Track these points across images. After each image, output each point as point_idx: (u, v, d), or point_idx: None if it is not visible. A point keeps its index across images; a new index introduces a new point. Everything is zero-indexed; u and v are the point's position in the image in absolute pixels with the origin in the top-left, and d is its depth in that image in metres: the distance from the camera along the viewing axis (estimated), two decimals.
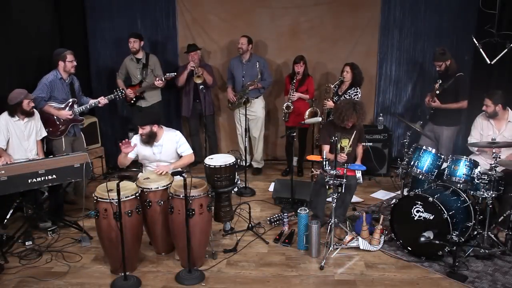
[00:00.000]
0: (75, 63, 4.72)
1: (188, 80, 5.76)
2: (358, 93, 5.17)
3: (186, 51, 5.71)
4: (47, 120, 4.69)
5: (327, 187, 4.33)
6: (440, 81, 4.80)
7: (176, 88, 6.03)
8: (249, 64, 5.65)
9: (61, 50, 4.73)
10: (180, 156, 4.26)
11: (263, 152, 6.08)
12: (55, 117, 4.74)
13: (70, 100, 4.79)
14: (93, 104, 4.94)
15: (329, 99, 5.26)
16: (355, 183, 4.31)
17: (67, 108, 4.77)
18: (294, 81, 5.50)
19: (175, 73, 5.60)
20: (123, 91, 5.14)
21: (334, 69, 5.91)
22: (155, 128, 4.11)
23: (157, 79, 5.49)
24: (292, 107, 5.53)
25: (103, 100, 4.95)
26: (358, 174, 4.31)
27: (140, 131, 4.09)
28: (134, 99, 5.70)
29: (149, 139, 4.11)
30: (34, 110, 4.46)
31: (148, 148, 4.18)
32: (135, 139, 4.23)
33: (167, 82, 5.61)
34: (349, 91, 5.19)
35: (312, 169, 4.62)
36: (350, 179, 4.17)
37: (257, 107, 5.79)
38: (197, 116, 6.03)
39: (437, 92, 4.83)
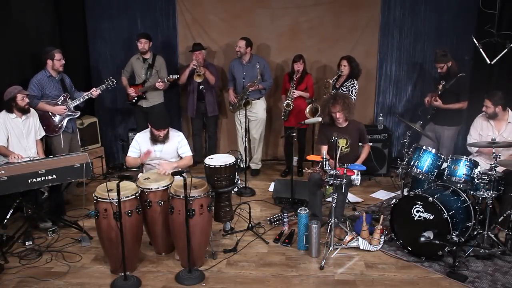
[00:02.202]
0: (63, 62, 4.77)
1: (191, 80, 5.77)
2: (355, 84, 5.19)
3: (190, 50, 5.72)
4: (43, 118, 4.72)
5: (322, 187, 4.33)
6: (444, 82, 4.79)
7: (178, 88, 6.03)
8: (249, 65, 5.64)
9: (50, 48, 4.77)
10: (180, 157, 4.30)
11: (262, 153, 6.08)
12: (50, 114, 4.76)
13: (63, 95, 4.83)
14: (86, 97, 4.97)
15: (328, 94, 5.26)
16: (347, 183, 4.26)
17: (61, 103, 4.81)
18: (294, 79, 5.50)
19: (178, 76, 5.61)
20: (114, 80, 5.15)
21: (334, 63, 5.89)
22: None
23: (159, 80, 5.51)
24: (292, 105, 5.53)
25: (95, 92, 4.99)
26: (354, 176, 4.28)
27: (162, 133, 4.16)
28: (135, 98, 5.71)
29: (166, 138, 4.21)
30: (31, 108, 4.47)
31: (150, 146, 4.20)
32: (139, 137, 4.26)
33: (170, 83, 5.62)
34: (345, 83, 5.22)
35: (306, 168, 4.61)
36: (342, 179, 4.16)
37: (259, 108, 5.78)
38: (201, 116, 6.03)
39: (439, 92, 4.83)
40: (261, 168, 6.10)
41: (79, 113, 5.06)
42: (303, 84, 5.56)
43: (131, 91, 5.67)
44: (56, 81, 4.81)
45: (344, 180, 3.91)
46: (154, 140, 4.20)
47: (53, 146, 4.85)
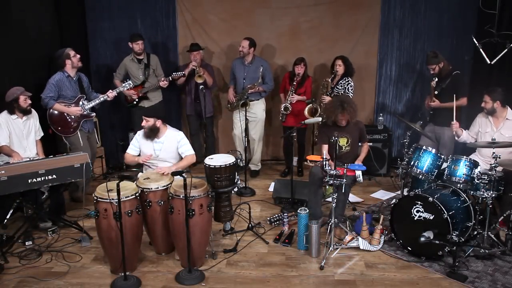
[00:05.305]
0: (78, 56, 4.82)
1: (189, 80, 5.77)
2: (350, 81, 5.22)
3: (188, 50, 5.72)
4: (59, 119, 4.76)
5: (323, 186, 4.33)
6: (436, 79, 4.82)
7: (176, 87, 6.02)
8: (251, 66, 5.59)
9: (61, 50, 4.79)
10: (181, 157, 4.28)
11: (262, 153, 6.06)
12: (66, 115, 4.77)
13: (79, 96, 4.84)
14: (102, 99, 4.97)
15: (326, 94, 5.27)
16: (349, 183, 4.27)
17: (76, 104, 4.83)
18: (294, 83, 5.48)
19: (184, 73, 5.61)
20: (131, 83, 5.18)
21: (330, 61, 5.89)
22: (158, 123, 4.15)
23: (162, 79, 5.50)
24: (290, 109, 5.52)
25: (111, 93, 5.00)
26: (358, 173, 4.30)
27: (144, 122, 4.13)
28: (136, 100, 5.70)
29: (151, 133, 4.16)
30: (32, 109, 4.49)
31: (149, 143, 4.20)
32: (138, 135, 4.26)
33: (171, 81, 5.63)
34: (340, 81, 5.24)
35: (308, 161, 4.55)
36: (343, 179, 4.16)
37: (258, 109, 5.74)
38: (198, 116, 6.03)
39: (436, 92, 4.84)
40: (261, 168, 6.09)
41: (94, 115, 5.07)
42: (303, 88, 5.54)
43: (132, 94, 5.64)
44: (73, 82, 4.83)
45: (345, 180, 3.91)
46: (145, 134, 4.18)
47: (72, 145, 4.88)
